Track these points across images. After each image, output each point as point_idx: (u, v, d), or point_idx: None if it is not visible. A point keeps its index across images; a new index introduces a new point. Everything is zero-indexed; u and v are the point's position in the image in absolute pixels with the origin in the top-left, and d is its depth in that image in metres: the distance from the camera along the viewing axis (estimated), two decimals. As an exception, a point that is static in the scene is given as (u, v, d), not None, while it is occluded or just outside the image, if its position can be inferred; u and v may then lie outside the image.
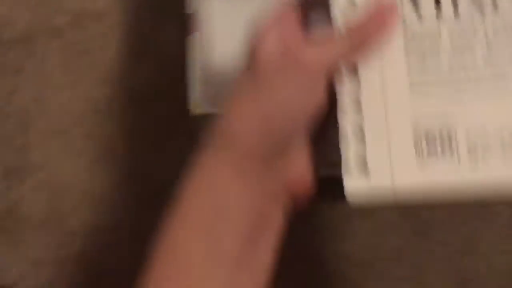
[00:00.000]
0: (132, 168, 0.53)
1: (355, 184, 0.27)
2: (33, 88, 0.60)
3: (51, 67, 0.61)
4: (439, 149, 0.26)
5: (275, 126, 0.26)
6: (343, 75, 0.28)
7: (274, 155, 0.27)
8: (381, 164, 0.26)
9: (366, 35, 0.27)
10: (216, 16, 0.58)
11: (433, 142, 0.26)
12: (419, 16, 0.27)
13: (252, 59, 0.27)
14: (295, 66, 0.26)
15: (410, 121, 0.26)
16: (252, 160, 0.26)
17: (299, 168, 0.28)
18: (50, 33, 0.62)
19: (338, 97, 0.28)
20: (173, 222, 0.27)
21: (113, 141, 0.58)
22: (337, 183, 0.27)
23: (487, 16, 0.27)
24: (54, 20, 0.62)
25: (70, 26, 0.62)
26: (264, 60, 0.27)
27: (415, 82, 0.27)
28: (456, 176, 0.25)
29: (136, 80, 0.60)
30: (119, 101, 0.59)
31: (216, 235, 0.26)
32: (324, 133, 0.28)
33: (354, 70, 0.28)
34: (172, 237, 0.27)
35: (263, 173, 0.27)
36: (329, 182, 0.28)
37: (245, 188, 0.26)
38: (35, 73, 0.60)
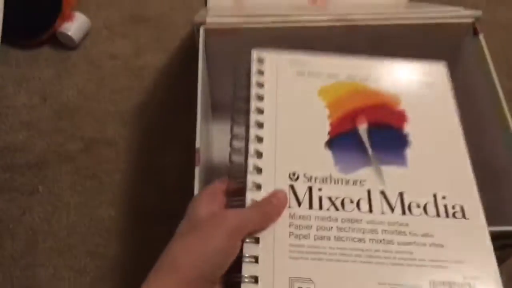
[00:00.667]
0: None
1: None
2: (43, 209, 0.64)
3: (61, 189, 0.65)
4: None
5: (207, 262, 0.37)
6: (247, 238, 0.40)
7: (205, 282, 0.37)
8: None
9: (269, 209, 0.40)
10: (215, 153, 0.66)
11: None
12: (299, 204, 0.41)
13: (191, 214, 0.40)
14: (219, 223, 0.38)
15: (287, 277, 0.38)
16: (190, 286, 0.37)
17: None
18: (63, 158, 0.68)
19: (243, 253, 0.39)
20: None
21: (117, 260, 0.61)
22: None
23: (340, 212, 0.40)
24: (67, 147, 0.69)
25: (81, 152, 0.68)
26: (199, 217, 0.39)
27: (293, 246, 0.39)
28: None
29: (140, 203, 0.65)
30: (123, 222, 0.64)
31: None
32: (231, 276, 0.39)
33: (255, 237, 0.39)
34: None
35: None
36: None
37: None
38: (46, 196, 0.65)
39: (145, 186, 0.66)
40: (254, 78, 0.46)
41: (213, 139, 0.68)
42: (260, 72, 0.47)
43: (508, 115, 0.52)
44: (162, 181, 0.66)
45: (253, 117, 0.44)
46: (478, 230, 0.41)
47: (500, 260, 0.52)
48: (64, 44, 0.77)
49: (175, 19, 0.80)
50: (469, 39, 0.58)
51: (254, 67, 0.47)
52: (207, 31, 0.57)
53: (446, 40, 0.59)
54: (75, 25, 0.76)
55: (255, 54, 0.48)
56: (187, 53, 0.77)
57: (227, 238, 0.38)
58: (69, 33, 0.75)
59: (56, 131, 0.70)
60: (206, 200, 0.41)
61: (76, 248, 0.62)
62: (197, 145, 0.49)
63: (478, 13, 0.58)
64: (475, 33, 0.58)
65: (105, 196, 0.65)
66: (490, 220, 0.42)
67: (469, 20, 0.58)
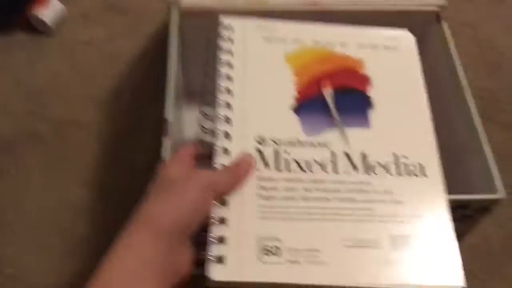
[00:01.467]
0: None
1: (215, 275, 0.38)
2: (13, 190, 0.64)
3: (31, 171, 0.65)
4: (271, 256, 0.38)
5: (182, 216, 0.38)
6: (216, 201, 0.40)
7: (178, 238, 0.38)
8: (234, 262, 0.38)
9: (237, 171, 0.41)
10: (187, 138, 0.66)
11: (268, 251, 0.38)
12: (266, 165, 0.42)
13: (163, 176, 0.41)
14: (193, 179, 0.39)
15: (255, 236, 0.39)
16: (164, 238, 0.37)
17: (185, 263, 0.39)
18: (33, 140, 0.67)
19: (210, 215, 0.40)
20: (100, 279, 0.37)
21: (86, 236, 0.61)
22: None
23: (306, 173, 0.42)
24: (37, 128, 0.68)
25: (51, 134, 0.68)
26: (171, 178, 0.41)
27: (261, 207, 0.40)
28: (279, 274, 0.38)
29: (110, 184, 0.65)
30: (93, 202, 0.64)
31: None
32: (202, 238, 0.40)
33: (223, 199, 0.40)
34: None
35: (169, 249, 0.37)
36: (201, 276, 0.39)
37: (158, 255, 0.37)
38: (16, 177, 0.65)
39: (116, 168, 0.67)
40: (223, 45, 0.48)
41: (185, 125, 0.69)
42: (230, 39, 0.48)
43: (470, 99, 0.54)
44: (133, 163, 0.67)
45: (223, 83, 0.45)
46: (435, 187, 0.43)
47: (460, 235, 0.54)
48: (38, 29, 0.77)
49: (151, 6, 0.81)
50: (433, 26, 0.61)
51: (224, 34, 0.48)
52: (181, 12, 0.58)
53: (411, 27, 0.61)
54: (49, 10, 0.76)
55: (224, 20, 0.49)
56: (162, 40, 0.77)
57: (201, 193, 0.39)
58: (43, 18, 0.76)
59: (27, 114, 0.70)
60: (176, 162, 0.42)
61: (45, 226, 0.61)
62: (166, 115, 0.50)
63: (441, 1, 0.61)
64: (438, 20, 0.60)
65: (75, 177, 0.65)
66: (450, 191, 0.44)
67: (433, 8, 0.61)
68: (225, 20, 0.49)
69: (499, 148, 0.71)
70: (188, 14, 0.59)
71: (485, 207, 0.48)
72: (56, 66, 0.75)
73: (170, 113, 0.50)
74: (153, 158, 0.66)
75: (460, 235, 0.54)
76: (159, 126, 0.50)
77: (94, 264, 0.59)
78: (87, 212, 0.63)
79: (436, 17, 0.60)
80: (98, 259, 0.59)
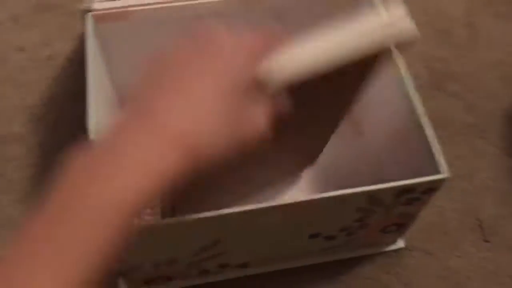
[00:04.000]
0: None
1: None
2: None
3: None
4: None
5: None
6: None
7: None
8: None
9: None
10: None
11: None
12: None
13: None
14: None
15: None
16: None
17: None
18: (-34, 158, 0.64)
19: None
20: None
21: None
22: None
23: None
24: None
25: (-15, 150, 0.65)
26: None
27: None
28: None
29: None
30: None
31: None
32: None
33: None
34: None
35: None
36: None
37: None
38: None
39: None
40: None
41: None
42: None
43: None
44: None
45: None
46: None
47: (413, 216, 0.52)
48: (-36, 39, 0.73)
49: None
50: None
51: None
52: (96, 17, 0.55)
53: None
54: (-27, 18, 0.72)
55: None
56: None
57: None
58: (-33, 27, 0.71)
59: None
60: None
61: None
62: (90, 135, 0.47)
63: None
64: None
65: (15, 194, 0.62)
66: (393, 173, 0.42)
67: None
68: None
69: (445, 116, 0.69)
70: (101, 18, 0.55)
71: (431, 188, 0.47)
72: (-14, 76, 0.71)
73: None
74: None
75: (412, 216, 0.53)
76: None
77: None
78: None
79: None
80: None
